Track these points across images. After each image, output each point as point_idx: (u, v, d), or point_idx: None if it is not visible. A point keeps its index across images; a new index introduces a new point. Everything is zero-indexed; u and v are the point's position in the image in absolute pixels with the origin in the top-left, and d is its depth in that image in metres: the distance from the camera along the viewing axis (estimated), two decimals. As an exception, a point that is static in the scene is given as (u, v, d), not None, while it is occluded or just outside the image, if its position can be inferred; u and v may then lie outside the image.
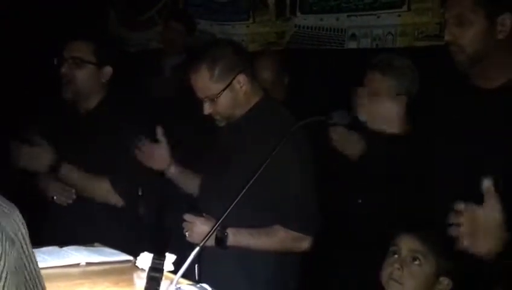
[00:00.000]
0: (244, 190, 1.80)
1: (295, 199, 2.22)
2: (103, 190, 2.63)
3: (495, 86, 2.07)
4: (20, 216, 1.12)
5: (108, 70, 2.67)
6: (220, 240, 2.18)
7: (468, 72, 2.10)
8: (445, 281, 1.86)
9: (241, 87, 2.27)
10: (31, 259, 1.13)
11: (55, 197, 2.67)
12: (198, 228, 2.19)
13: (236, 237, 2.20)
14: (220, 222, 1.82)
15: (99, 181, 2.63)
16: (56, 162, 2.60)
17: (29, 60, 4.15)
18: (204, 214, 2.22)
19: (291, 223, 2.22)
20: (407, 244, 1.88)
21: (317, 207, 2.27)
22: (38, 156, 2.60)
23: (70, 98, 2.68)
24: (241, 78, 2.27)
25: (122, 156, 2.58)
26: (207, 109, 2.29)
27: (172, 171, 2.52)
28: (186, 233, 2.22)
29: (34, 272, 1.13)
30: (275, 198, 2.19)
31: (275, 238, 2.23)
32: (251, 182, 1.81)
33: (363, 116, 2.73)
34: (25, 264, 1.11)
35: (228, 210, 1.79)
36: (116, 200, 2.64)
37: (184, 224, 2.23)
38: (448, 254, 1.84)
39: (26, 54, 4.23)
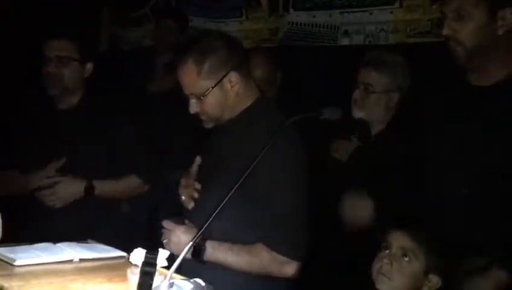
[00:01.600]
0: (227, 198, 1.73)
1: (283, 218, 1.97)
2: (134, 186, 2.76)
3: (492, 82, 2.06)
4: None
5: (90, 66, 2.77)
6: (197, 253, 2.00)
7: (465, 67, 2.08)
8: (434, 278, 1.86)
9: (232, 87, 2.05)
10: None
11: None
12: (176, 237, 2.03)
13: (215, 252, 2.00)
14: (199, 233, 1.73)
15: (128, 180, 2.74)
16: (89, 187, 2.66)
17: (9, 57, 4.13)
18: (186, 222, 2.06)
19: (276, 244, 1.97)
20: (397, 240, 1.90)
21: (307, 230, 2.04)
22: (71, 190, 2.66)
23: (57, 95, 2.75)
24: (233, 76, 2.05)
25: (126, 147, 2.66)
26: (193, 107, 2.08)
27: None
28: (164, 241, 2.06)
29: None
30: (260, 213, 1.97)
31: (256, 259, 2.00)
32: (234, 188, 1.73)
33: (358, 114, 2.75)
34: None
35: (209, 221, 1.72)
36: (144, 189, 2.80)
37: (162, 231, 2.08)
38: (438, 252, 1.85)
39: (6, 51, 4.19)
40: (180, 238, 2.00)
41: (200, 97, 2.05)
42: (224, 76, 2.04)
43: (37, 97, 2.80)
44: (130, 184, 2.77)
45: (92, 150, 2.69)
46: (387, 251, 1.91)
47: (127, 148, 2.70)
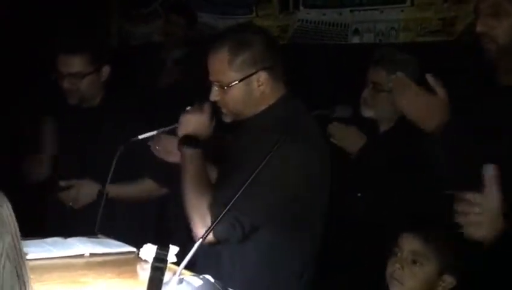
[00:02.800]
0: (240, 192, 1.72)
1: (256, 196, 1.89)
2: (149, 189, 2.74)
3: None
4: (8, 203, 1.15)
5: (106, 69, 2.73)
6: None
7: (496, 64, 2.05)
8: (448, 278, 1.85)
9: (259, 86, 2.01)
10: (20, 244, 1.16)
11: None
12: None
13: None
14: (213, 225, 1.72)
15: (143, 183, 2.72)
16: (102, 190, 2.64)
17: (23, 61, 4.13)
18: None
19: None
20: (408, 244, 1.87)
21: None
22: (85, 195, 2.66)
23: (76, 104, 2.74)
24: (263, 76, 2.00)
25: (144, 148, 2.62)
26: (214, 95, 2.04)
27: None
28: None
29: (23, 256, 1.16)
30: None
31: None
32: (247, 183, 1.71)
33: (367, 112, 2.74)
34: (16, 246, 1.14)
35: (220, 216, 1.73)
36: (161, 192, 2.78)
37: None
38: (450, 252, 1.84)
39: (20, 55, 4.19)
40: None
41: (224, 87, 2.01)
42: (253, 73, 2.00)
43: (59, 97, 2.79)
44: (145, 188, 2.74)
45: (110, 152, 2.67)
46: (399, 255, 1.89)
47: (141, 150, 2.66)
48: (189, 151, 2.03)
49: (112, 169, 2.30)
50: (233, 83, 2.00)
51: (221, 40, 2.03)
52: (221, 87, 2.02)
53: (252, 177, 1.73)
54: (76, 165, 2.76)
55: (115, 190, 2.64)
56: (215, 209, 1.90)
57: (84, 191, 2.66)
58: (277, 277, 2.04)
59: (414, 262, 1.85)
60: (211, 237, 1.83)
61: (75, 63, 2.65)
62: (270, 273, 2.04)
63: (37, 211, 2.73)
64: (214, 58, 2.03)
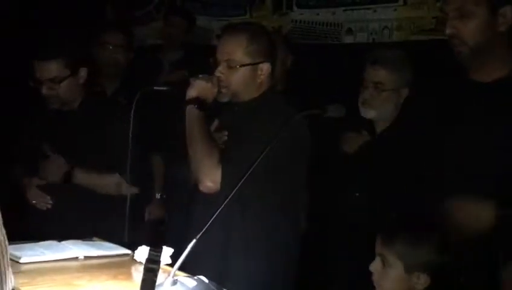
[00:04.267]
0: (240, 183, 1.78)
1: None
2: (115, 184, 2.74)
3: (493, 79, 2.07)
4: None
5: (83, 72, 2.75)
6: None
7: (468, 64, 2.10)
8: (422, 277, 1.84)
9: (260, 74, 2.28)
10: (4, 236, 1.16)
11: (34, 202, 2.76)
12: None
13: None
14: (213, 217, 1.77)
15: (110, 177, 2.73)
16: (69, 171, 2.68)
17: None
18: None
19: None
20: (377, 247, 1.89)
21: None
22: (51, 169, 2.70)
23: (57, 108, 2.76)
24: (265, 66, 2.28)
25: (121, 147, 2.60)
26: (220, 70, 2.27)
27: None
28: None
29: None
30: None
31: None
32: (246, 175, 1.80)
33: (368, 113, 2.73)
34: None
35: (222, 207, 1.78)
36: (128, 190, 2.69)
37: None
38: (417, 252, 1.84)
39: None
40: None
41: (232, 66, 2.25)
42: (261, 62, 2.27)
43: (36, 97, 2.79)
44: (112, 182, 2.74)
45: (83, 143, 2.71)
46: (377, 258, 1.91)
47: (116, 145, 2.64)
48: (197, 112, 2.23)
49: (132, 120, 2.37)
50: (244, 65, 2.24)
51: (240, 28, 2.33)
52: (230, 66, 2.26)
53: (259, 159, 1.86)
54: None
55: (83, 176, 2.69)
56: (226, 167, 2.15)
57: (52, 165, 2.69)
58: (264, 260, 2.20)
59: (383, 263, 1.87)
60: (215, 185, 2.14)
61: (51, 68, 2.67)
62: (258, 257, 2.18)
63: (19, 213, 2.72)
64: (231, 40, 2.29)
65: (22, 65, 2.77)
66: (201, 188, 2.20)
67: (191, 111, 2.24)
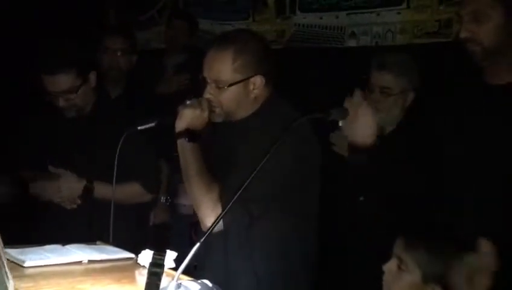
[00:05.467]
0: (241, 191, 1.73)
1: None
2: (136, 194, 2.76)
3: (507, 82, 2.06)
4: None
5: (93, 75, 2.75)
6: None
7: (483, 66, 2.07)
8: (436, 288, 1.82)
9: (253, 89, 2.10)
10: None
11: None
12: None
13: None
14: (214, 226, 1.72)
15: (130, 187, 2.72)
16: (88, 186, 2.67)
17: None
18: None
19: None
20: (395, 249, 1.87)
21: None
22: (67, 188, 2.68)
23: (74, 115, 2.76)
24: (258, 80, 2.09)
25: (132, 154, 2.59)
26: (209, 92, 2.09)
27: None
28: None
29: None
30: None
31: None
32: (247, 182, 1.73)
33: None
34: None
35: (223, 212, 1.77)
36: (148, 199, 2.83)
37: None
38: (433, 261, 1.82)
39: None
40: None
41: (221, 87, 2.07)
42: (251, 76, 2.09)
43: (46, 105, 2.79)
44: (131, 192, 2.74)
45: (97, 155, 2.68)
46: (390, 261, 1.89)
47: (132, 155, 2.66)
48: (190, 145, 2.07)
49: (116, 163, 2.30)
50: (233, 84, 2.06)
51: (225, 42, 2.09)
52: (218, 87, 2.08)
53: (258, 168, 1.75)
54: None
55: (102, 190, 2.65)
56: (226, 199, 1.95)
57: (68, 184, 2.67)
58: (282, 267, 2.10)
59: (399, 268, 1.84)
60: (220, 225, 1.91)
61: (65, 81, 2.65)
62: (275, 264, 2.09)
63: (30, 218, 2.73)
64: (216, 57, 2.08)
65: (26, 76, 2.79)
66: (203, 228, 2.02)
67: (183, 145, 2.07)
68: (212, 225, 1.73)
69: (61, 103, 2.68)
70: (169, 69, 4.09)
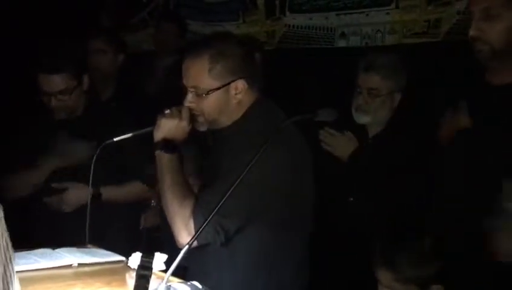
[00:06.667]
0: (228, 194, 1.72)
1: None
2: (139, 191, 2.80)
3: (506, 82, 2.06)
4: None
5: (86, 78, 2.76)
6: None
7: (489, 66, 2.06)
8: (435, 288, 1.82)
9: (236, 94, 2.01)
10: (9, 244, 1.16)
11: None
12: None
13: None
14: (199, 231, 1.72)
15: (132, 186, 2.77)
16: (96, 193, 2.66)
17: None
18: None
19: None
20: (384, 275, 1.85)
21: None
22: (77, 199, 2.68)
23: (64, 117, 2.76)
24: (240, 84, 2.00)
25: (132, 154, 2.65)
26: (189, 100, 2.02)
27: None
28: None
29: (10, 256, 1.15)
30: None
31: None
32: (234, 185, 1.71)
33: (362, 119, 2.73)
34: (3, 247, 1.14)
35: (205, 224, 1.74)
36: (146, 195, 2.86)
37: None
38: (436, 260, 1.82)
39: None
40: None
41: (201, 94, 2.01)
42: (232, 81, 2.00)
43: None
44: (134, 190, 2.79)
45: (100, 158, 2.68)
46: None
47: (132, 155, 2.68)
48: (167, 156, 2.01)
49: (92, 171, 2.25)
50: (212, 91, 1.99)
51: (200, 47, 2.01)
52: (198, 95, 2.02)
53: (237, 182, 1.72)
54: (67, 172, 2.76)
55: (107, 193, 2.70)
56: (198, 215, 1.92)
57: (76, 194, 2.68)
58: (270, 277, 2.04)
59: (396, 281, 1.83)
60: (195, 243, 1.80)
61: (60, 81, 2.67)
62: (263, 274, 2.04)
63: (25, 222, 2.72)
64: (193, 64, 2.02)
65: (22, 77, 2.78)
66: (178, 244, 1.95)
67: (159, 157, 2.00)
68: (192, 239, 1.72)
69: (53, 102, 2.68)
70: (160, 71, 4.09)
